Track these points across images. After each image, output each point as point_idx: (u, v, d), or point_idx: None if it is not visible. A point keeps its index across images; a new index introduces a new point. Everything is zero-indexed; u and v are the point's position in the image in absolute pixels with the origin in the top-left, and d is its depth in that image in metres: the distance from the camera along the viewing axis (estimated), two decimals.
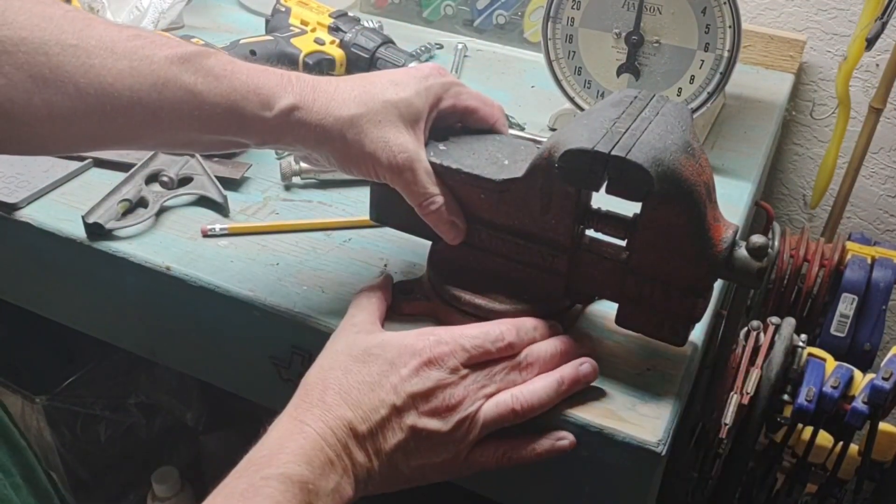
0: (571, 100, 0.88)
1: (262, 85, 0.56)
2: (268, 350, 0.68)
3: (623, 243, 0.59)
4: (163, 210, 0.75)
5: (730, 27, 0.78)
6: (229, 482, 0.49)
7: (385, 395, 0.53)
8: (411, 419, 0.53)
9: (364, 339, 0.56)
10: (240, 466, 0.50)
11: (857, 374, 0.71)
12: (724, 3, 0.77)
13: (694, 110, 0.83)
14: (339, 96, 0.57)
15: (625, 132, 0.54)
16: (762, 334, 0.73)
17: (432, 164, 0.60)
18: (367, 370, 0.54)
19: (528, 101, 0.97)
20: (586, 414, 0.57)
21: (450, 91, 0.61)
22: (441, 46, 1.09)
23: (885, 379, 0.66)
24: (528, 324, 0.58)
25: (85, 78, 0.53)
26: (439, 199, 0.60)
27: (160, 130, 0.56)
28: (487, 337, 0.56)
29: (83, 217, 0.71)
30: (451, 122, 0.63)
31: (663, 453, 0.56)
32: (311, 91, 0.57)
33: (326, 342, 0.58)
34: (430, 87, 0.60)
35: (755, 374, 0.68)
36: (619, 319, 0.61)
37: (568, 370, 0.57)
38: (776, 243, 0.56)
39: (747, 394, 0.66)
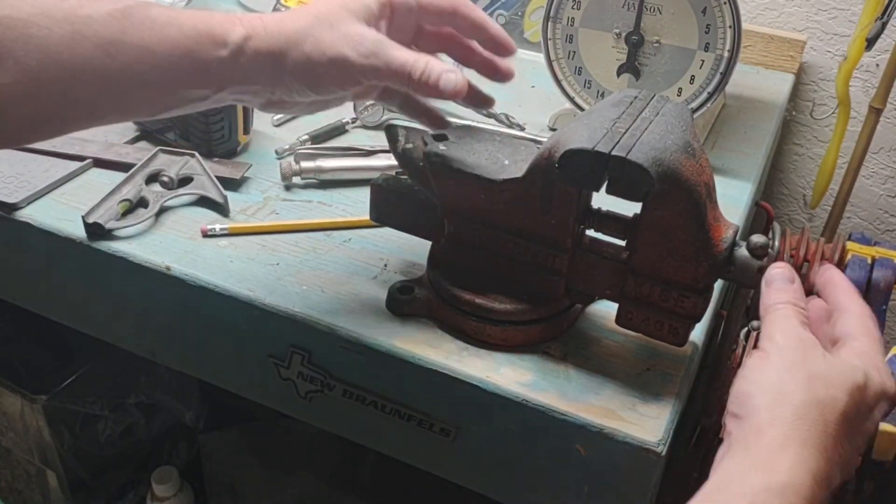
0: (571, 100, 0.88)
1: (212, 24, 0.54)
2: (267, 349, 0.68)
3: (623, 243, 0.59)
4: (163, 210, 0.75)
5: (730, 27, 0.78)
6: None
7: None
8: None
9: None
10: None
11: None
12: (724, 3, 0.77)
13: (694, 110, 0.83)
14: (289, 15, 0.56)
15: (625, 132, 0.54)
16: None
17: (432, 164, 0.60)
18: None
19: (528, 101, 0.97)
20: (586, 414, 0.57)
21: None
22: None
23: None
24: None
25: (24, 50, 0.49)
26: (423, 59, 0.55)
27: (114, 96, 0.53)
28: None
29: (83, 217, 0.71)
30: (411, 21, 0.60)
31: (663, 453, 0.56)
32: (260, 19, 0.55)
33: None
34: None
35: None
36: (619, 319, 0.61)
37: None
38: (776, 243, 0.56)
39: None
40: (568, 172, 0.54)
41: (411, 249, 0.71)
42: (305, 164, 0.78)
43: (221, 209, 0.75)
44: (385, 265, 0.70)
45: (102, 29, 0.51)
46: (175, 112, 0.57)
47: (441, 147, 0.61)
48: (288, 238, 0.73)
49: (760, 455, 0.45)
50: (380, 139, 0.81)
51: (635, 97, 0.59)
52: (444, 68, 0.56)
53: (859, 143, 1.02)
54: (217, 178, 0.77)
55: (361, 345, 0.62)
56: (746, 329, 0.74)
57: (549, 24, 0.85)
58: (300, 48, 0.54)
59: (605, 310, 0.65)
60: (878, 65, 1.08)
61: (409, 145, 0.62)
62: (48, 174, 0.78)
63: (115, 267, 0.70)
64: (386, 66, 0.55)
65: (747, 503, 0.43)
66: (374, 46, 0.55)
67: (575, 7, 0.84)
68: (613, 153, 0.52)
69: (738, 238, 0.56)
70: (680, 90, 0.83)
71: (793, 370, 0.48)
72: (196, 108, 0.58)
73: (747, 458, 0.45)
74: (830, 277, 0.56)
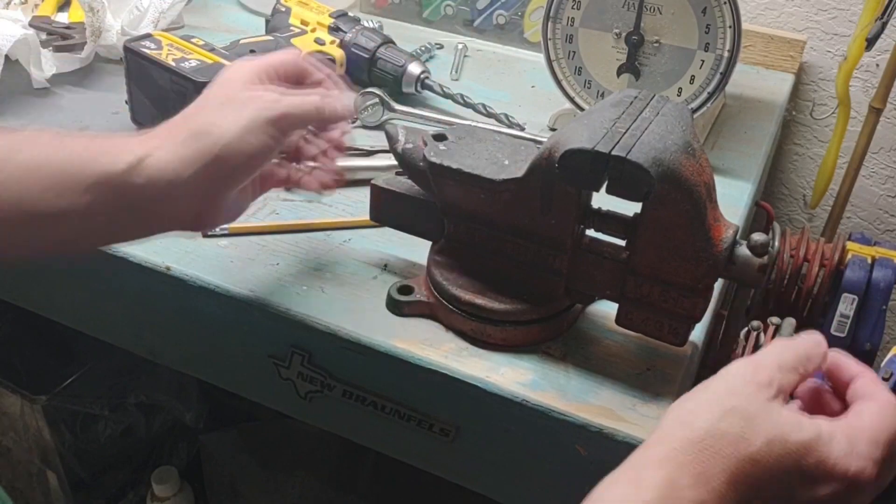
0: (571, 100, 0.88)
1: (107, 141, 0.53)
2: (267, 349, 0.68)
3: (623, 243, 0.59)
4: None
5: (730, 27, 0.78)
6: None
7: None
8: None
9: None
10: None
11: None
12: (724, 3, 0.77)
13: (694, 110, 0.83)
14: (180, 118, 0.55)
15: (625, 132, 0.54)
16: (762, 334, 0.73)
17: (432, 164, 0.60)
18: None
19: (528, 101, 0.97)
20: (586, 414, 0.57)
21: (276, 52, 0.60)
22: (441, 46, 1.08)
23: (885, 379, 0.66)
24: None
25: None
26: (317, 92, 0.59)
27: (10, 221, 0.51)
28: None
29: None
30: (291, 82, 0.61)
31: None
32: (154, 136, 0.54)
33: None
34: (252, 59, 0.59)
35: None
36: (619, 319, 0.61)
37: None
38: (776, 243, 0.56)
39: None
40: (568, 172, 0.54)
41: (411, 249, 0.71)
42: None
43: None
44: (385, 265, 0.70)
45: None
46: (104, 242, 0.56)
47: (441, 147, 0.61)
48: (288, 238, 0.73)
49: (634, 468, 0.43)
50: (380, 139, 0.80)
51: (635, 97, 0.59)
52: (334, 93, 0.59)
53: (859, 143, 1.02)
54: None
55: (361, 345, 0.62)
56: (746, 329, 0.74)
57: (549, 24, 0.85)
58: (213, 125, 0.54)
59: (605, 310, 0.65)
60: (878, 65, 1.08)
61: (409, 145, 0.62)
62: None
63: (115, 267, 0.70)
64: (296, 107, 0.56)
65: None
66: (273, 95, 0.56)
67: (575, 7, 0.84)
68: (613, 153, 0.52)
69: (738, 238, 0.56)
70: (680, 90, 0.83)
71: (715, 403, 0.44)
72: (122, 237, 0.57)
73: (624, 470, 0.43)
74: (845, 364, 0.51)
